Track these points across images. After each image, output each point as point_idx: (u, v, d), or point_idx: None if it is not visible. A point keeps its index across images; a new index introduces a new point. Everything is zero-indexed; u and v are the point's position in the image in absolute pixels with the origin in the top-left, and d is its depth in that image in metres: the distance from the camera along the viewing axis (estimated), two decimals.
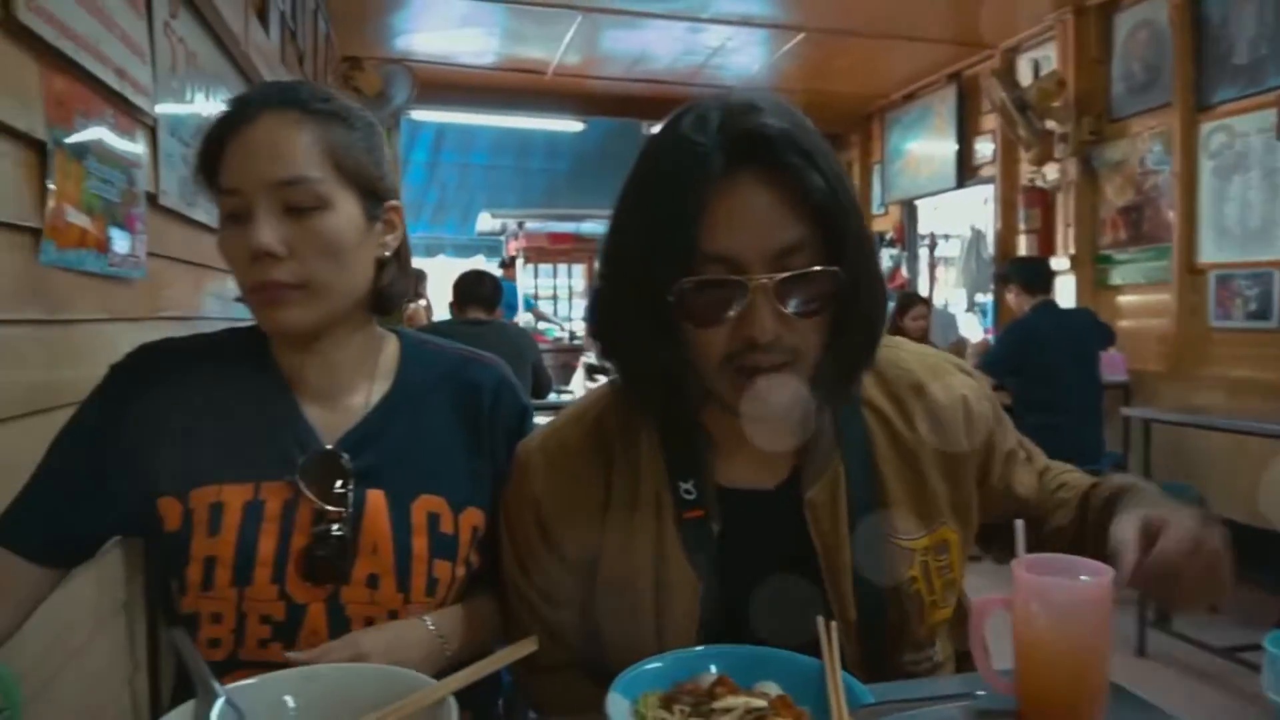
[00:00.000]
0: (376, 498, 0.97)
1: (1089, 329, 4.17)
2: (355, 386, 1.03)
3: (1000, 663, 0.79)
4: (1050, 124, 4.92)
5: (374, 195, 1.00)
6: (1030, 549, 0.79)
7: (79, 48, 1.42)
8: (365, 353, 1.04)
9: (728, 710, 0.72)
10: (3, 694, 0.61)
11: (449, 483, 1.02)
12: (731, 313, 0.81)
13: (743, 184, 0.80)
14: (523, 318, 8.40)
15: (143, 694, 1.45)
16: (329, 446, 0.97)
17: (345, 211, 0.95)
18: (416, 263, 8.06)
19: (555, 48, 5.79)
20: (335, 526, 0.94)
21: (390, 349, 1.08)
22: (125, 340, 1.59)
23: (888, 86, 6.69)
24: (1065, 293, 4.87)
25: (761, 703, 0.73)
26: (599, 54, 5.93)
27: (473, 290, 4.10)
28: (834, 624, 0.85)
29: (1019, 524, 0.80)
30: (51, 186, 1.33)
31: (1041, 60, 5.20)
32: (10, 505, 0.96)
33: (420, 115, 7.31)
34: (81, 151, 1.44)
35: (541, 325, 8.83)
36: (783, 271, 0.80)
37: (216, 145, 0.94)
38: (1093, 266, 4.86)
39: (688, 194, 0.80)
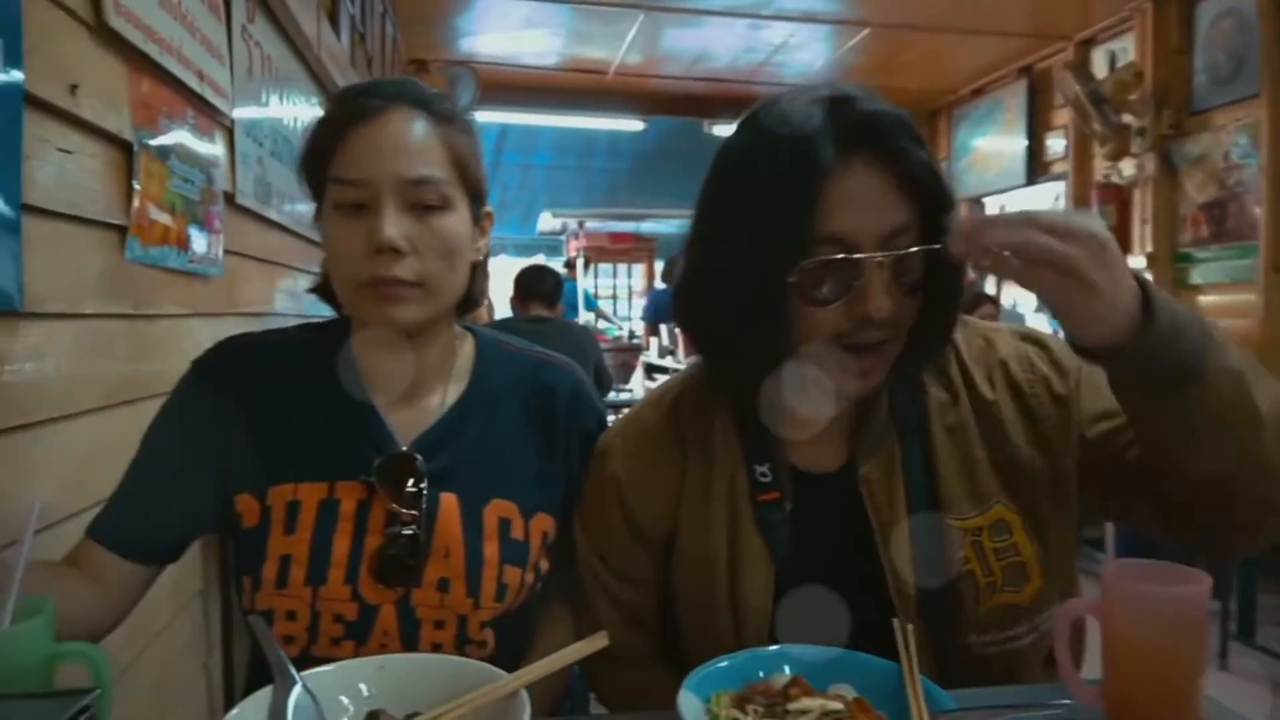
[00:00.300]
0: (449, 501, 0.97)
1: None
2: (433, 387, 1.03)
3: (1089, 671, 0.76)
4: (1127, 118, 4.75)
5: (479, 200, 1.01)
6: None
7: (163, 51, 1.46)
8: (445, 353, 1.05)
9: (804, 712, 0.70)
10: (94, 673, 0.63)
11: (521, 487, 1.01)
12: (848, 292, 0.85)
13: (855, 169, 0.84)
14: (583, 317, 8.44)
15: (217, 677, 1.49)
16: (404, 448, 0.98)
17: (461, 214, 0.97)
18: None
19: (617, 47, 5.80)
20: (408, 528, 0.94)
21: (467, 349, 1.08)
22: (204, 335, 1.64)
23: (955, 82, 6.55)
24: None
25: (838, 705, 0.71)
26: (660, 53, 5.92)
27: (535, 286, 4.09)
28: (910, 627, 0.84)
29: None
30: (137, 186, 1.38)
31: (1118, 52, 5.02)
32: (106, 503, 1.00)
33: (483, 116, 7.39)
34: (164, 152, 1.49)
35: (601, 324, 8.87)
36: (893, 251, 0.85)
37: (336, 135, 0.93)
38: (1172, 265, 4.68)
39: (804, 182, 0.84)
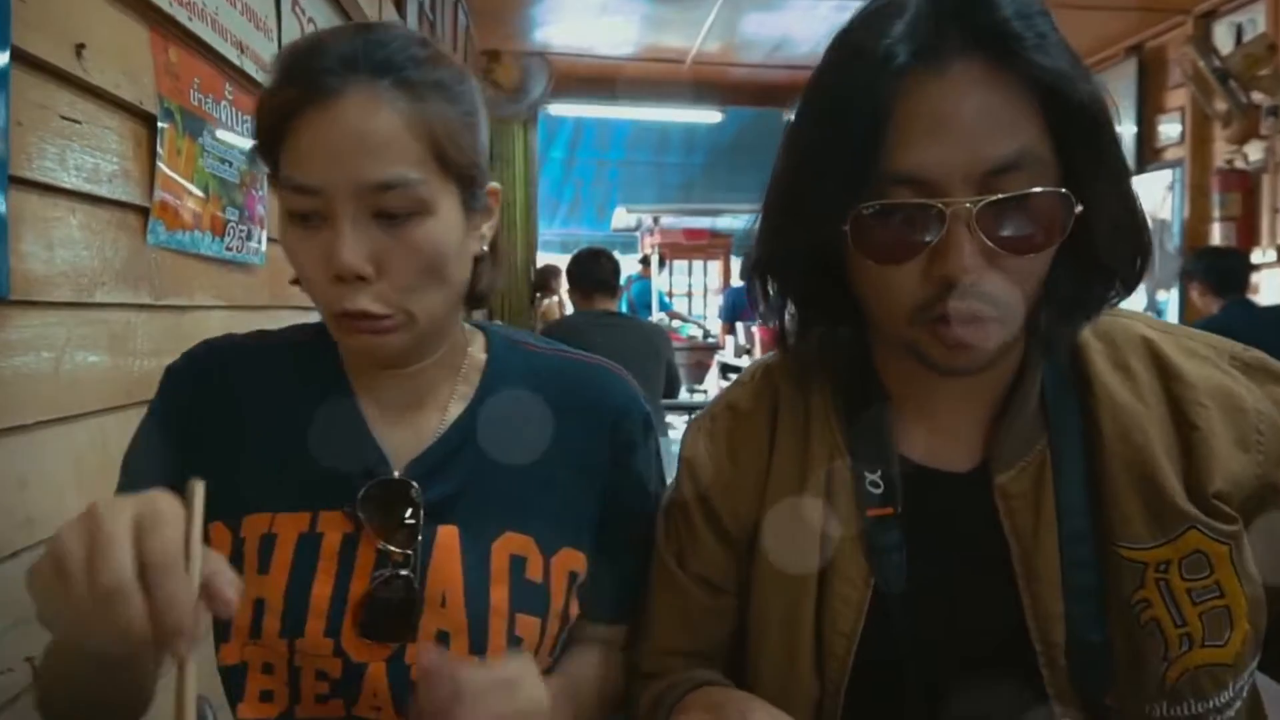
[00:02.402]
0: (449, 536, 0.80)
1: None
2: (435, 399, 0.85)
3: None
4: (1256, 96, 4.33)
5: (472, 183, 0.79)
6: None
7: (193, 16, 1.33)
8: (451, 356, 0.86)
9: None
10: None
11: (540, 518, 0.82)
12: (923, 250, 0.64)
13: (948, 78, 0.62)
14: (657, 317, 8.28)
15: None
16: (396, 474, 0.80)
17: (446, 214, 0.75)
18: (551, 258, 8.10)
19: (694, 34, 5.60)
20: (401, 571, 0.77)
21: (476, 350, 0.88)
22: (246, 328, 1.52)
23: None
24: (1271, 288, 4.27)
25: None
26: (739, 40, 5.71)
27: (591, 273, 3.58)
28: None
29: None
30: (160, 163, 1.25)
31: (1245, 24, 4.59)
32: None
33: (557, 110, 7.30)
34: (195, 128, 1.36)
35: (676, 324, 8.69)
36: (991, 194, 0.62)
37: (284, 118, 0.72)
38: None
39: (872, 100, 0.62)
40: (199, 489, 0.57)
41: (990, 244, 0.63)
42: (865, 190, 0.64)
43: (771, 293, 0.78)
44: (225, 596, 0.56)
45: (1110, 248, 0.69)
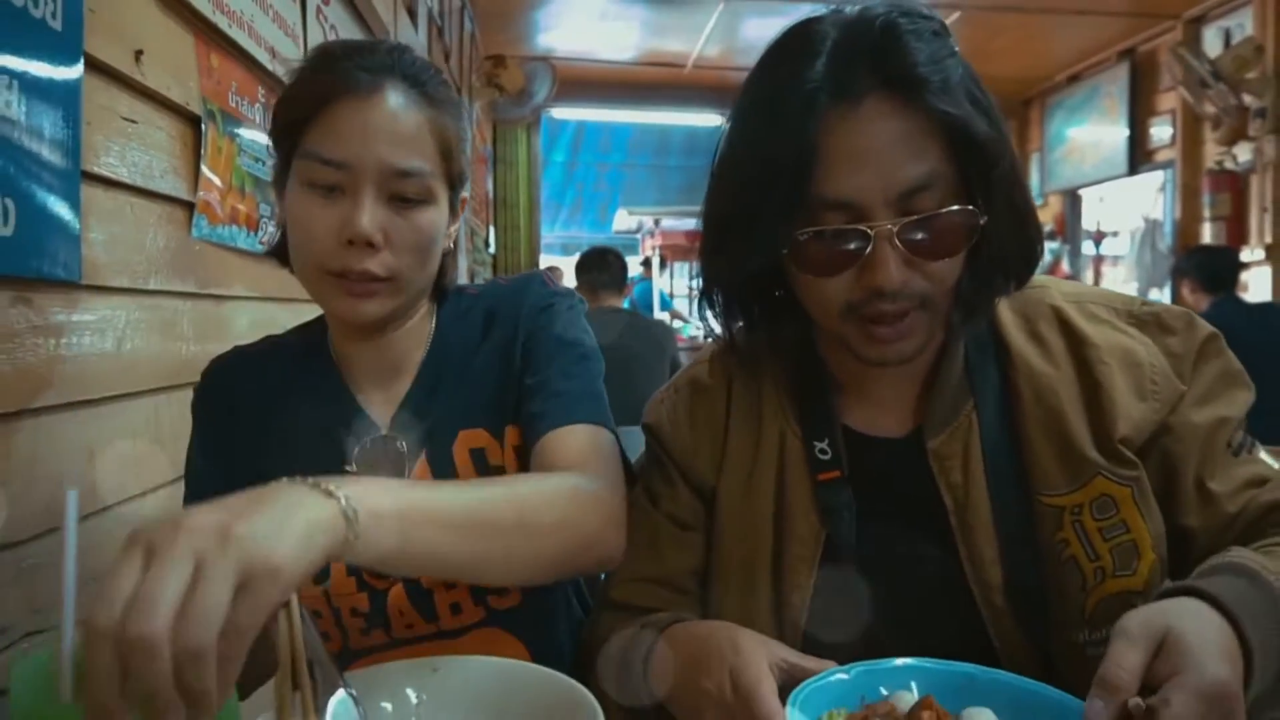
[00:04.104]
0: (421, 465, 0.92)
1: None
2: (406, 365, 0.98)
3: None
4: (1245, 99, 4.42)
5: (458, 189, 0.94)
6: None
7: (233, 23, 1.43)
8: (418, 329, 0.98)
9: None
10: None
11: (488, 411, 0.94)
12: (854, 263, 0.74)
13: (860, 113, 0.71)
14: (659, 317, 8.36)
15: None
16: (384, 431, 0.93)
17: (441, 207, 0.90)
18: (554, 260, 8.15)
19: (695, 39, 5.70)
20: None
21: (432, 313, 1.01)
22: (274, 319, 1.61)
23: (1051, 67, 6.24)
24: (1259, 286, 4.36)
25: None
26: (740, 44, 5.80)
27: (598, 272, 3.65)
28: None
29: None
30: (204, 161, 1.34)
31: (1234, 29, 4.69)
32: None
33: (560, 113, 7.39)
34: (233, 129, 1.45)
35: (678, 324, 8.77)
36: (908, 215, 0.72)
37: (318, 103, 0.84)
38: None
39: (798, 135, 0.71)
40: (73, 498, 0.53)
41: (910, 255, 0.73)
42: (798, 216, 0.74)
43: (719, 305, 0.88)
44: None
45: (1005, 250, 0.79)
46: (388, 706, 0.64)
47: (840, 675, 0.67)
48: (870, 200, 0.72)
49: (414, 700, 0.65)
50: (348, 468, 0.92)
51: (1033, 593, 0.79)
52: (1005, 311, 0.85)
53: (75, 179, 0.98)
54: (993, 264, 0.79)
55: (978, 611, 0.79)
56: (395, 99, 0.85)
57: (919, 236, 0.73)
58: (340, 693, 0.56)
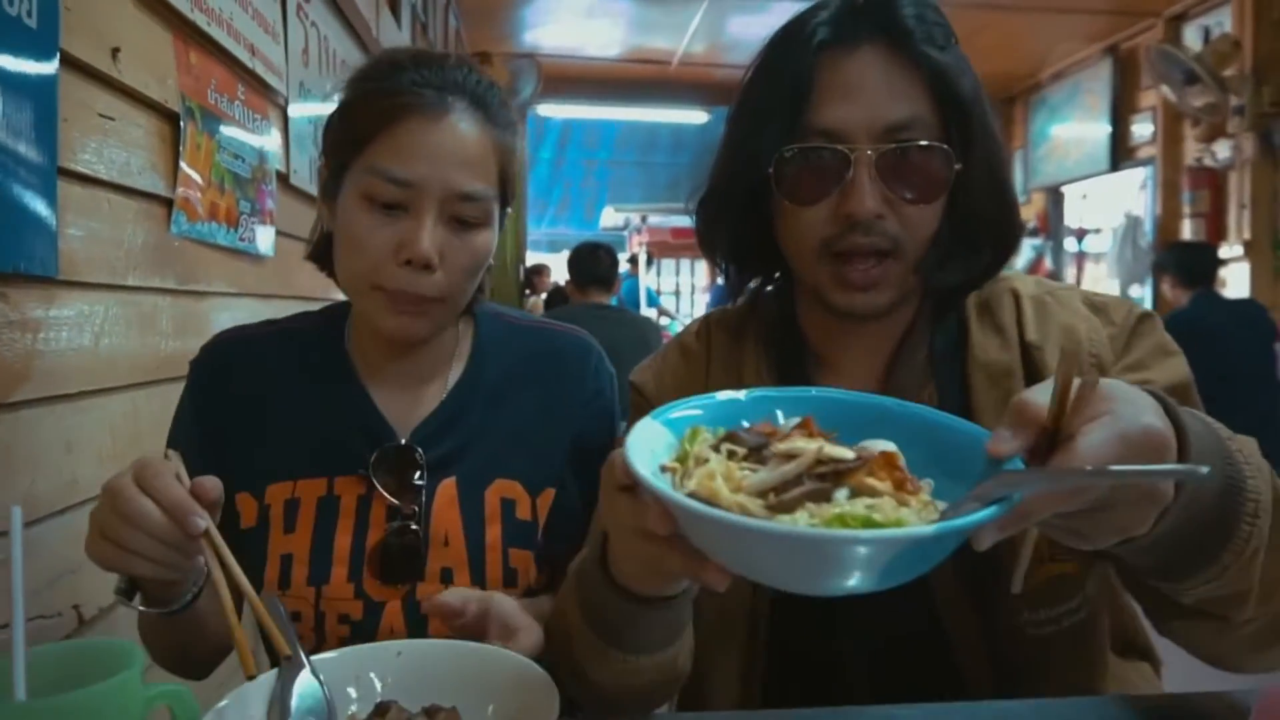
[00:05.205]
0: (448, 487, 0.91)
1: (1259, 321, 3.73)
2: (434, 373, 0.96)
3: None
4: (1232, 100, 4.46)
5: (508, 206, 0.94)
6: None
7: (211, 21, 1.43)
8: (447, 338, 0.97)
9: (790, 456, 0.51)
10: (134, 667, 0.58)
11: (526, 465, 0.93)
12: (833, 189, 0.79)
13: (856, 55, 0.79)
14: (646, 314, 8.38)
15: None
16: (403, 440, 0.91)
17: (495, 228, 0.89)
18: (539, 258, 8.14)
19: (680, 37, 5.72)
20: (410, 523, 0.88)
21: (467, 329, 1.00)
22: (256, 316, 1.61)
23: (1034, 65, 6.28)
24: (1238, 282, 4.41)
25: (845, 453, 0.51)
26: (725, 41, 5.82)
27: (589, 268, 3.74)
28: None
29: None
30: (183, 158, 1.34)
31: (1213, 26, 4.74)
32: None
33: (546, 111, 7.39)
34: (213, 126, 1.46)
35: (664, 321, 8.80)
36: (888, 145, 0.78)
37: (386, 119, 0.83)
38: (1271, 253, 4.39)
39: (797, 69, 0.79)
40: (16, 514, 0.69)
41: (887, 190, 0.78)
42: (790, 141, 0.79)
43: (708, 234, 0.92)
44: (207, 485, 0.71)
45: (981, 212, 0.82)
46: (352, 691, 0.64)
47: (733, 396, 0.61)
48: (854, 130, 0.78)
49: (378, 685, 0.66)
50: (361, 471, 0.89)
51: (980, 572, 0.79)
52: (972, 310, 0.89)
53: (52, 175, 0.98)
54: (968, 226, 0.83)
55: (930, 591, 0.81)
56: (464, 121, 0.85)
57: (895, 170, 0.78)
58: (306, 676, 0.57)
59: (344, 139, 0.86)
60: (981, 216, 0.83)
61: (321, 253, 0.95)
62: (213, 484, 0.71)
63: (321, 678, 0.58)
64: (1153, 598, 0.73)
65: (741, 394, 0.61)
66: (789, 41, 0.82)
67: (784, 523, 0.47)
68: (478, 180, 0.84)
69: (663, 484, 0.50)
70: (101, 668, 0.55)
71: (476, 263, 0.87)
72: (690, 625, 0.76)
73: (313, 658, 0.63)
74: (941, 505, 0.51)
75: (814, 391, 0.64)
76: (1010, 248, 0.86)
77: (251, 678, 0.61)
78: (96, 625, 1.05)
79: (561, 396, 0.97)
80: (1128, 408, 0.51)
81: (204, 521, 0.68)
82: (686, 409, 0.59)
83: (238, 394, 0.94)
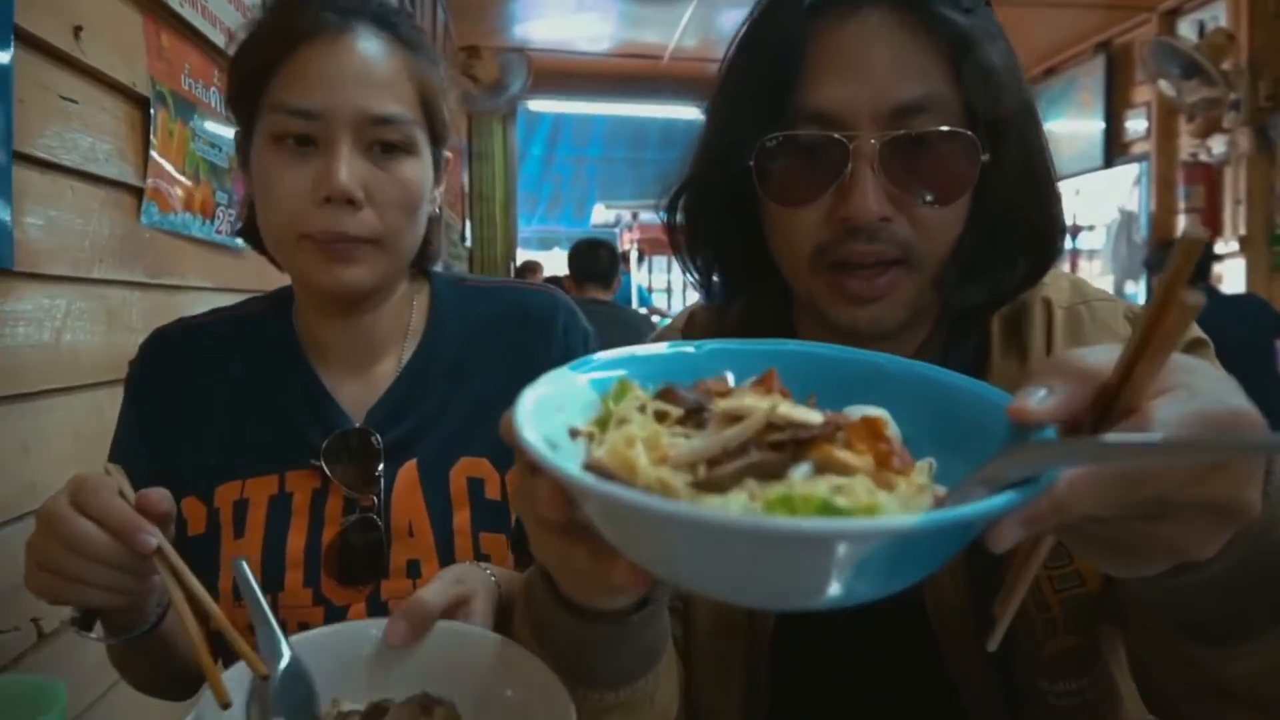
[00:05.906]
0: (409, 470, 0.83)
1: (1260, 317, 3.70)
2: (387, 351, 0.88)
3: None
4: (1230, 96, 4.44)
5: (442, 143, 0.86)
6: None
7: (184, 2, 1.37)
8: (399, 311, 0.89)
9: (735, 418, 0.38)
10: (54, 710, 0.52)
11: (492, 439, 0.86)
12: (827, 188, 0.63)
13: (856, 20, 0.63)
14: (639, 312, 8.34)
15: None
16: (357, 424, 0.84)
17: (425, 160, 0.82)
18: (531, 255, 8.08)
19: (671, 31, 5.67)
20: (369, 515, 0.81)
21: (422, 300, 0.92)
22: None
23: (1026, 60, 6.12)
24: (1234, 277, 4.39)
25: (810, 416, 0.38)
26: (716, 35, 5.77)
27: (589, 264, 3.72)
28: None
29: None
30: (154, 146, 1.28)
31: (1207, 21, 4.71)
32: None
33: (536, 106, 7.33)
34: (186, 112, 1.39)
35: (656, 318, 8.76)
36: (897, 131, 0.62)
37: (282, 50, 0.76)
38: (1268, 249, 4.37)
39: (783, 38, 0.63)
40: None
41: (893, 187, 0.62)
42: (775, 127, 0.64)
43: (700, 271, 0.79)
44: (154, 497, 0.64)
45: (1016, 214, 0.66)
46: (331, 670, 0.60)
47: (683, 349, 0.47)
48: (854, 115, 0.62)
49: (357, 663, 0.61)
50: (313, 462, 0.82)
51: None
52: (997, 323, 0.73)
53: (5, 160, 0.92)
54: (999, 232, 0.66)
55: (939, 650, 0.70)
56: (368, 41, 0.78)
57: (905, 163, 0.62)
58: (285, 658, 0.52)
59: (243, 80, 0.80)
60: (1015, 220, 0.67)
61: (249, 226, 0.87)
62: (160, 495, 0.64)
63: (300, 658, 0.53)
64: (1170, 669, 0.56)
65: (691, 347, 0.47)
66: (776, 6, 0.67)
67: (707, 506, 0.34)
68: (390, 103, 0.78)
69: (545, 451, 0.37)
70: (29, 706, 0.49)
71: (407, 196, 0.79)
72: (670, 654, 0.63)
73: (294, 639, 0.59)
74: (941, 490, 0.38)
75: (791, 345, 0.48)
76: (1051, 257, 0.70)
77: (226, 706, 0.55)
78: (58, 640, 0.99)
79: (529, 361, 0.86)
80: (1208, 382, 0.39)
81: (154, 539, 0.62)
82: (614, 362, 0.45)
83: (181, 389, 0.87)
